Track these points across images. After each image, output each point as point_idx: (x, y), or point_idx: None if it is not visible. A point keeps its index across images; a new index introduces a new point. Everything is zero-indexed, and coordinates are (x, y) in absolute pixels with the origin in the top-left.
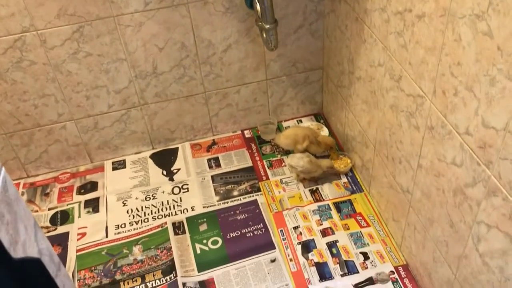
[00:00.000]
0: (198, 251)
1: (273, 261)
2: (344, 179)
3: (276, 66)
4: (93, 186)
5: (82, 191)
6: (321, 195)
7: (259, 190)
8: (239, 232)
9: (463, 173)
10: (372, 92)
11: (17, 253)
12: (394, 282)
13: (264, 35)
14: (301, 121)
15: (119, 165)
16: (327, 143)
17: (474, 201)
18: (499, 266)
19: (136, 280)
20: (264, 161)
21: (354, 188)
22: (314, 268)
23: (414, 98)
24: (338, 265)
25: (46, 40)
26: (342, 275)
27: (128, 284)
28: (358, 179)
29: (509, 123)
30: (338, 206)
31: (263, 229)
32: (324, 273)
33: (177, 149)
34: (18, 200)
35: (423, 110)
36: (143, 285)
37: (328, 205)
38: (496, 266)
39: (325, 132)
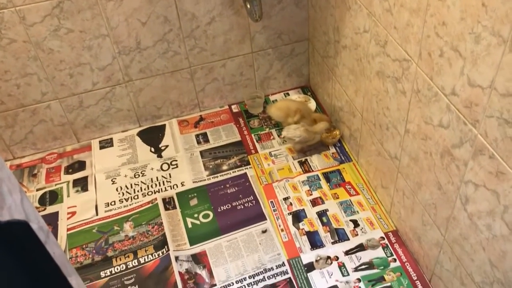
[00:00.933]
0: (190, 225)
1: (264, 232)
2: (332, 150)
3: (262, 39)
4: (81, 165)
5: (70, 170)
6: (310, 166)
7: (248, 163)
8: (229, 205)
9: (450, 134)
10: (358, 60)
11: (3, 217)
12: (384, 247)
13: (248, 6)
14: (288, 94)
15: (106, 144)
16: (322, 120)
17: (461, 161)
18: (487, 224)
19: (128, 256)
20: (253, 135)
21: (343, 158)
22: (305, 237)
23: (400, 63)
24: (328, 233)
25: (25, 16)
26: (333, 243)
27: (120, 260)
28: (346, 149)
29: (494, 80)
30: (327, 176)
31: (254, 202)
32: (315, 242)
33: (164, 126)
34: (2, 165)
35: (409, 74)
36: (136, 260)
37: (317, 175)
38: (484, 224)
39: (312, 104)
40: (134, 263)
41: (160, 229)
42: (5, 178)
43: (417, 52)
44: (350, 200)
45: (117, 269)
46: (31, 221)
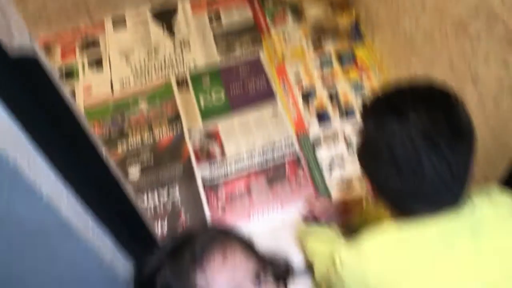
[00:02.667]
0: (202, 105)
1: (274, 110)
2: (346, 29)
3: None
4: (95, 44)
5: (84, 49)
6: (323, 46)
7: (261, 44)
8: (241, 85)
9: (465, 4)
10: None
11: (13, 53)
12: None
13: None
14: None
15: (119, 23)
16: None
17: (475, 35)
18: (494, 98)
19: (143, 132)
20: (267, 15)
21: (357, 38)
22: (314, 115)
23: None
24: (337, 111)
25: None
26: (341, 120)
27: (136, 135)
28: (361, 29)
29: None
30: (340, 56)
31: (265, 82)
32: (324, 119)
33: (176, 5)
34: (9, 4)
35: None
36: (151, 136)
37: (330, 55)
38: (491, 100)
39: None
40: (150, 138)
41: (173, 107)
42: (13, 19)
43: None
44: (361, 79)
45: (133, 142)
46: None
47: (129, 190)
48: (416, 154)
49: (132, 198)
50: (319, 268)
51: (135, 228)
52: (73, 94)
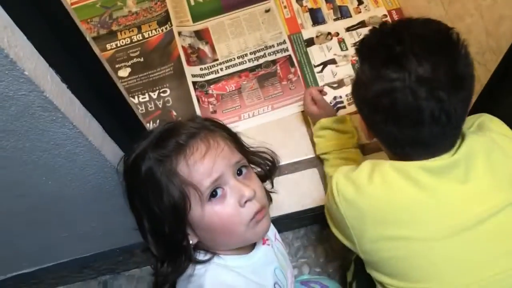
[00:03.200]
0: (192, 3)
1: (267, 11)
2: None
3: None
4: None
5: None
6: None
7: None
8: None
9: None
10: None
11: None
12: None
13: None
14: None
15: None
16: None
17: None
18: None
19: (132, 31)
20: None
21: None
22: (307, 14)
23: None
24: (331, 11)
25: None
26: (335, 19)
27: (125, 34)
28: None
29: None
30: None
31: None
32: (317, 18)
33: None
34: None
35: None
36: (140, 35)
37: None
38: None
39: None
40: (139, 37)
41: (163, 5)
42: None
43: None
44: None
45: (122, 42)
46: None
47: (118, 81)
48: (415, 102)
49: (121, 88)
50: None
51: (124, 117)
52: None
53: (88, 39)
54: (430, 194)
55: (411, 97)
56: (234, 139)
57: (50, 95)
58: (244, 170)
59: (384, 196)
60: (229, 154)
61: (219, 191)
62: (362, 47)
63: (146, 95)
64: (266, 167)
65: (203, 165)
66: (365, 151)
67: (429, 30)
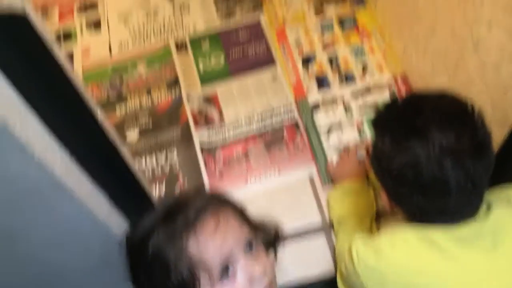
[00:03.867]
0: (201, 69)
1: (274, 75)
2: None
3: None
4: (93, 5)
5: (83, 11)
6: (324, 11)
7: (262, 7)
8: (241, 50)
9: None
10: None
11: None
12: (391, 91)
13: None
14: None
15: None
16: None
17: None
18: (495, 65)
19: (142, 95)
20: None
21: (359, 3)
22: (313, 79)
23: None
24: (337, 76)
25: None
26: (340, 85)
27: (135, 98)
28: None
29: None
30: (341, 20)
31: (265, 47)
32: (323, 83)
33: None
34: None
35: None
36: (149, 99)
37: (332, 20)
38: (492, 67)
39: None
40: (148, 101)
41: (172, 70)
42: None
43: None
44: (362, 44)
45: (132, 106)
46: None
47: (125, 151)
48: (441, 173)
49: (128, 159)
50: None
51: (130, 188)
52: (71, 56)
53: (99, 118)
54: (455, 262)
55: (437, 167)
56: (241, 214)
57: (59, 174)
58: (252, 245)
59: (408, 263)
60: (238, 230)
61: (229, 270)
62: (380, 121)
63: (154, 158)
64: (272, 240)
65: (213, 242)
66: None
67: (446, 102)
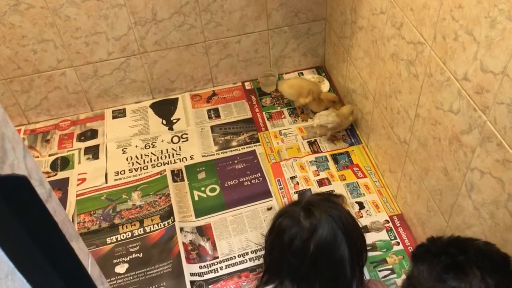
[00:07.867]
0: (196, 198)
1: (269, 209)
2: (343, 132)
3: (278, 16)
4: (93, 133)
5: (82, 138)
6: (319, 146)
7: (258, 141)
8: (236, 181)
9: (459, 120)
10: (374, 42)
11: (4, 172)
12: (388, 230)
13: None
14: (302, 73)
15: (119, 114)
16: (329, 99)
17: (469, 148)
18: (490, 212)
19: (134, 224)
20: (264, 112)
21: (353, 141)
22: None
23: (414, 46)
24: None
25: None
26: None
27: (126, 228)
28: (357, 132)
29: (507, 66)
30: (335, 157)
31: (261, 179)
32: None
33: (177, 99)
34: (6, 121)
35: (423, 57)
36: (142, 229)
37: (326, 156)
38: (487, 213)
39: (326, 85)
40: (140, 231)
41: (167, 200)
42: (9, 134)
43: (432, 35)
44: (357, 182)
45: (123, 236)
46: (32, 178)
47: None
48: None
49: None
50: None
51: None
52: (67, 182)
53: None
54: None
55: None
56: None
57: None
58: None
59: None
60: None
61: None
62: (420, 251)
63: None
64: None
65: None
66: None
67: (491, 251)
